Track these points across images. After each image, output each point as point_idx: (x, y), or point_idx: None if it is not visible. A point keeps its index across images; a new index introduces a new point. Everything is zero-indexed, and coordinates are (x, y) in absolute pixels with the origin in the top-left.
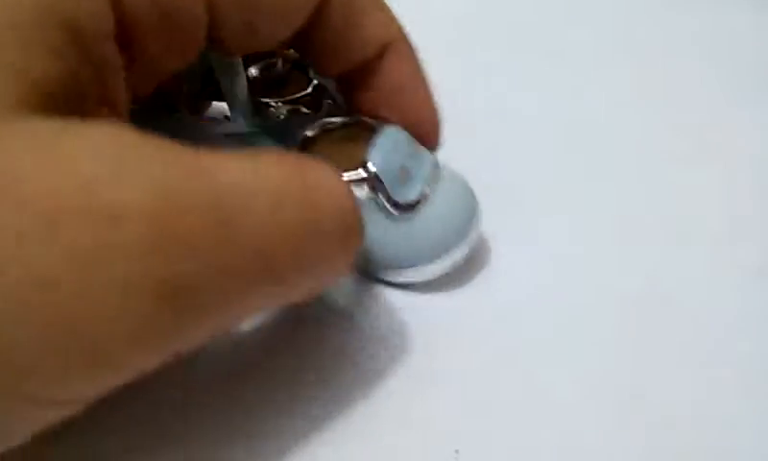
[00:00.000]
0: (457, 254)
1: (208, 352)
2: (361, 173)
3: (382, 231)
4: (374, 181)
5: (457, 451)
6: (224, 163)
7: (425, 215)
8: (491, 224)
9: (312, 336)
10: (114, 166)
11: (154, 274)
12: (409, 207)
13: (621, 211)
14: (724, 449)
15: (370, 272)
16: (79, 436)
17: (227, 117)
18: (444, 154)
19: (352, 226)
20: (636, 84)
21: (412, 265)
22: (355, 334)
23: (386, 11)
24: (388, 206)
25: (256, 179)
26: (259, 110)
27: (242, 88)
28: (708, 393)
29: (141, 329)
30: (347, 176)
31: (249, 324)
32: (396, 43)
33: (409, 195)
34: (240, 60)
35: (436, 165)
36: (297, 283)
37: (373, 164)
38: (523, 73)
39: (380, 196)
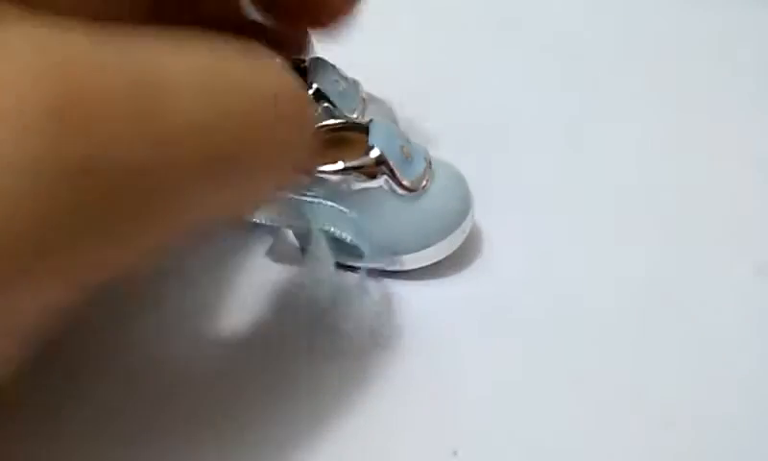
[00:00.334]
0: (454, 240)
1: (194, 355)
2: (367, 157)
3: (386, 217)
4: (381, 163)
5: (455, 453)
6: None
7: (423, 201)
8: (487, 221)
9: (304, 336)
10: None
11: (66, 153)
12: (415, 187)
13: (621, 209)
14: (724, 449)
15: (365, 260)
16: (80, 438)
17: None
18: (443, 149)
19: (304, 106)
20: (636, 83)
21: (414, 249)
22: (347, 331)
23: None
24: (395, 186)
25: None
26: None
27: None
28: (708, 393)
29: (60, 219)
30: (353, 163)
31: (241, 326)
32: None
33: (414, 172)
34: None
35: (428, 155)
36: (248, 176)
37: (377, 146)
38: (523, 70)
39: (387, 178)
